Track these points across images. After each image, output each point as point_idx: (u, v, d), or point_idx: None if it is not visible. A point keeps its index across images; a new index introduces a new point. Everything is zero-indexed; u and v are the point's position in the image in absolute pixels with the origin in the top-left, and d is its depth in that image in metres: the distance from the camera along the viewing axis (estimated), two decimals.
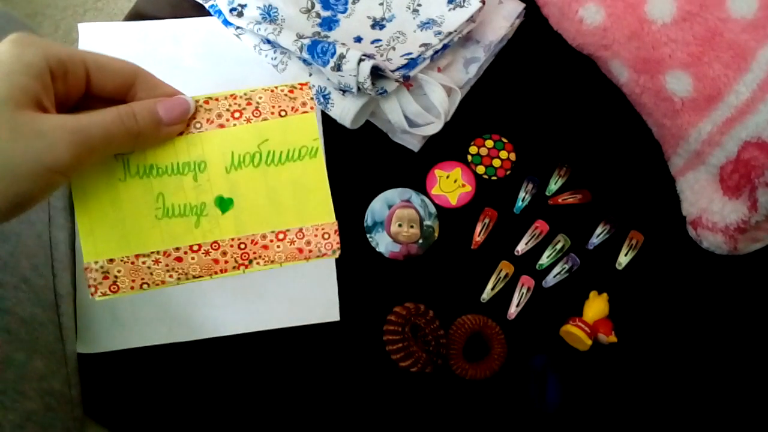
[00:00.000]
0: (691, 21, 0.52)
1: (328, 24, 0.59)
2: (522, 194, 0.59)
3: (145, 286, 0.40)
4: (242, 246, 0.41)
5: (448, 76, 0.60)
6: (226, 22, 0.58)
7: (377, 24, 0.59)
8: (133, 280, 0.40)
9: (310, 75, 0.56)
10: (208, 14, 0.60)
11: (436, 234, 0.57)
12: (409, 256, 0.56)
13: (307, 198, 0.42)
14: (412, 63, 0.56)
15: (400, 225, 0.56)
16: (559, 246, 0.57)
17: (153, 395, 0.53)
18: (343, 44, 0.53)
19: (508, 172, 0.59)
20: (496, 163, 0.59)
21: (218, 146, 0.40)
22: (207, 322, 0.54)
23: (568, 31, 0.60)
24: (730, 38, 0.51)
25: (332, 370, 0.53)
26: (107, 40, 0.61)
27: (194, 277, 0.41)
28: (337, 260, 0.56)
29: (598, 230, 0.58)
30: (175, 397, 0.53)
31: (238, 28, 0.58)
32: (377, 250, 0.56)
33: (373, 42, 0.58)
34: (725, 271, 0.57)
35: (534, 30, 0.63)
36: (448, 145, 0.60)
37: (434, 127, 0.57)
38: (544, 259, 0.57)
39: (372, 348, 0.53)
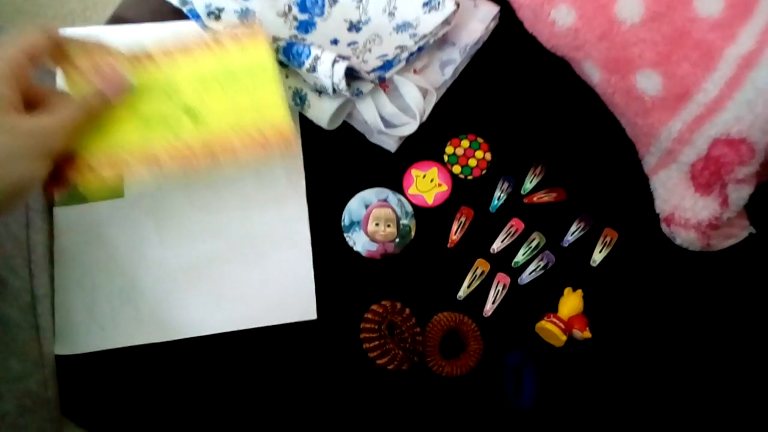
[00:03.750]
0: (660, 21, 0.53)
1: (305, 27, 0.60)
2: (498, 193, 0.59)
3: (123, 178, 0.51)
4: (209, 147, 0.47)
5: (425, 78, 0.60)
6: (205, 26, 0.59)
7: (354, 27, 0.60)
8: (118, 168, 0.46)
9: (287, 77, 0.57)
10: (187, 18, 0.61)
11: (413, 233, 0.57)
12: (386, 255, 0.57)
13: (265, 104, 0.48)
14: (387, 65, 0.56)
15: (377, 224, 0.57)
16: (534, 244, 0.58)
17: (131, 396, 0.53)
18: (319, 46, 0.53)
19: (484, 172, 0.60)
20: (472, 162, 0.60)
21: (186, 69, 0.49)
22: (185, 323, 0.55)
23: (541, 33, 0.61)
24: (697, 37, 0.52)
25: (309, 369, 0.54)
26: None
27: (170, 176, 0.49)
28: (314, 259, 0.56)
29: (573, 228, 0.59)
30: (154, 397, 0.53)
31: (216, 31, 0.59)
32: (354, 249, 0.56)
33: (349, 44, 0.59)
34: (699, 267, 0.58)
35: (509, 32, 0.64)
36: (424, 145, 0.60)
37: (410, 128, 0.57)
38: (520, 257, 0.58)
39: (349, 346, 0.54)
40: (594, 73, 0.59)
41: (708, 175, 0.54)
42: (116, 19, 0.64)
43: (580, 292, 0.56)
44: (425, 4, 0.59)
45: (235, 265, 0.56)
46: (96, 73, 0.45)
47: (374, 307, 0.54)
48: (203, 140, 0.47)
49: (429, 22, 0.59)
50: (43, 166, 0.41)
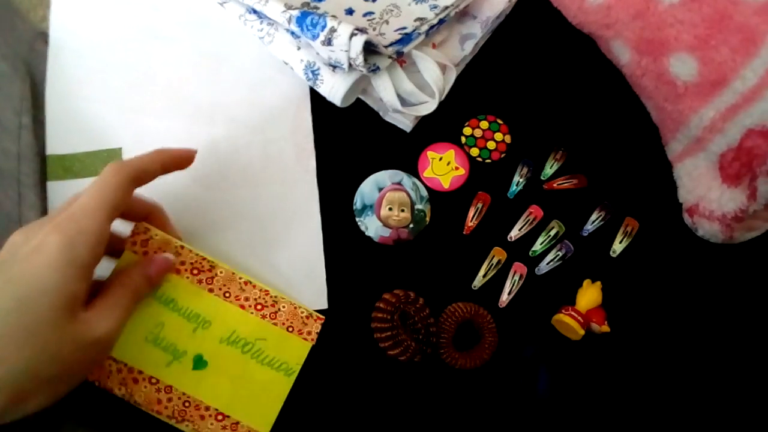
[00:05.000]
0: (700, 2, 0.50)
1: None
2: (516, 178, 0.57)
3: (96, 383, 0.46)
4: (186, 404, 0.46)
5: (444, 53, 0.57)
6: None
7: None
8: (92, 374, 0.45)
9: (299, 49, 0.53)
10: None
11: (428, 218, 0.55)
12: (399, 241, 0.54)
13: (261, 403, 0.47)
14: (406, 38, 0.53)
15: (390, 208, 0.54)
16: (553, 232, 0.56)
17: None
18: (334, 17, 0.49)
19: (503, 155, 0.57)
20: (491, 145, 0.57)
21: (229, 320, 0.48)
22: None
23: (568, 8, 0.57)
24: (740, 21, 0.49)
25: (319, 358, 0.51)
26: (83, 7, 0.58)
27: (135, 402, 0.46)
28: (324, 244, 0.54)
29: (593, 217, 0.57)
30: None
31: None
32: (366, 234, 0.54)
33: (365, 15, 0.55)
34: (720, 259, 0.56)
35: (532, 6, 0.60)
36: (441, 125, 0.57)
37: (428, 107, 0.54)
38: (538, 246, 0.55)
39: (360, 335, 0.52)
40: (623, 54, 0.56)
41: (738, 166, 0.52)
42: None
43: (599, 283, 0.54)
44: None
45: (240, 247, 0.53)
46: (153, 263, 0.46)
47: (386, 295, 0.52)
48: (185, 396, 0.46)
49: None
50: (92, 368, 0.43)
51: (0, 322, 0.36)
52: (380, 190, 0.55)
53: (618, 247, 0.56)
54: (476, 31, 0.58)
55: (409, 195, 0.55)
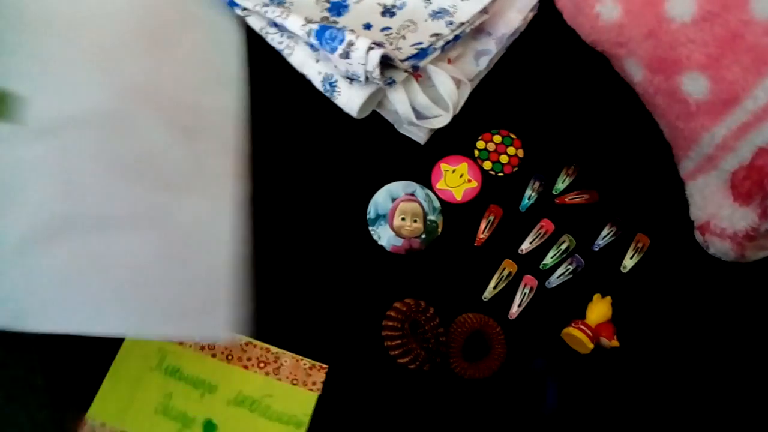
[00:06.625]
0: (712, 21, 0.50)
1: (337, 9, 0.57)
2: (528, 192, 0.58)
3: None
4: None
5: (458, 68, 0.58)
6: (232, 3, 0.57)
7: (387, 11, 0.58)
8: None
9: (317, 61, 0.55)
10: None
11: (440, 229, 0.56)
12: (411, 251, 0.55)
13: None
14: (422, 53, 0.54)
15: (403, 219, 0.55)
16: (563, 246, 0.56)
17: None
18: (352, 31, 0.51)
19: (515, 169, 0.58)
20: (504, 159, 0.58)
21: (234, 381, 0.49)
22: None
23: (582, 26, 0.58)
24: (751, 41, 0.49)
25: (329, 365, 0.52)
26: None
27: None
28: (337, 253, 0.55)
29: (604, 232, 0.57)
30: None
31: (244, 9, 0.56)
32: (379, 243, 0.55)
33: (382, 30, 0.56)
34: (731, 277, 0.57)
35: (547, 24, 0.61)
36: (455, 138, 0.58)
37: (442, 120, 0.55)
38: (548, 259, 0.56)
39: (370, 343, 0.52)
40: (636, 72, 0.57)
41: (749, 184, 0.52)
42: None
43: (609, 298, 0.54)
44: None
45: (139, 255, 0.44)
46: None
47: (397, 304, 0.52)
48: None
49: (466, 10, 0.56)
50: None
51: None
52: (393, 200, 0.56)
53: (629, 262, 0.56)
54: (491, 48, 0.60)
55: (421, 206, 0.56)
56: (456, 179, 0.57)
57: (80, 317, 0.42)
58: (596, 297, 0.55)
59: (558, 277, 0.55)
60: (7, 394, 0.46)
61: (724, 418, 0.53)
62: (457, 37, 0.56)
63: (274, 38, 0.56)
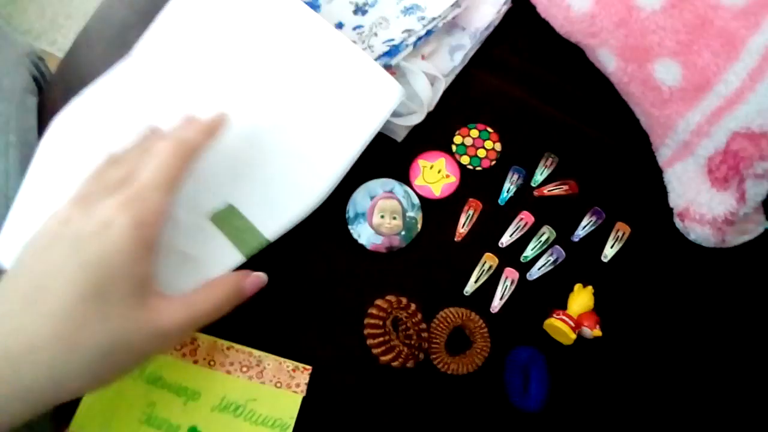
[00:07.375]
0: (681, 8, 0.51)
1: None
2: (507, 185, 0.58)
3: None
4: None
5: (433, 64, 0.58)
6: None
7: (359, 9, 0.58)
8: None
9: None
10: None
11: (419, 226, 0.56)
12: (391, 248, 0.55)
13: None
14: (394, 50, 0.54)
15: (382, 216, 0.55)
16: (544, 238, 0.56)
17: None
18: None
19: (494, 163, 0.58)
20: (481, 153, 0.58)
21: (217, 387, 0.48)
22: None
23: (555, 18, 0.58)
24: (720, 26, 0.50)
25: (311, 365, 0.52)
26: None
27: None
28: (318, 252, 0.55)
29: (584, 222, 0.57)
30: None
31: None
32: (359, 241, 0.55)
33: (355, 28, 0.56)
34: (712, 263, 0.57)
35: (521, 17, 0.61)
36: (432, 134, 0.58)
37: (417, 117, 0.55)
38: (529, 251, 0.56)
39: (354, 342, 0.52)
40: (609, 61, 0.57)
41: (726, 169, 0.53)
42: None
43: (590, 288, 0.54)
44: None
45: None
46: (250, 277, 0.47)
47: (379, 302, 0.52)
48: None
49: (438, 5, 0.56)
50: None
51: (81, 308, 0.35)
52: (372, 198, 0.56)
53: (609, 251, 0.57)
54: (465, 43, 0.60)
55: (400, 203, 0.56)
56: (434, 175, 0.57)
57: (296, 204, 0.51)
58: (577, 287, 0.55)
59: (539, 269, 0.55)
60: None
61: (707, 404, 0.53)
62: (429, 32, 0.56)
63: None
